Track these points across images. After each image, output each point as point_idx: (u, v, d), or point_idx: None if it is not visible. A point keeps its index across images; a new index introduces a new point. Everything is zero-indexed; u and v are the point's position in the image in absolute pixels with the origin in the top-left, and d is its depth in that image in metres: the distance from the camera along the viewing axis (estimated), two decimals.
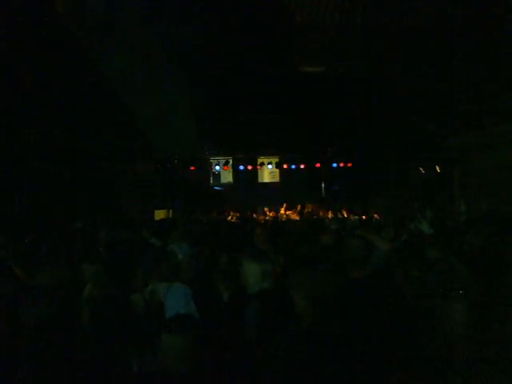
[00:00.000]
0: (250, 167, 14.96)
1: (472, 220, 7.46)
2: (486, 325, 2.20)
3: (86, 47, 8.06)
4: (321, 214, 13.34)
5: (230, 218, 12.78)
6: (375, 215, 11.98)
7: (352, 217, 11.93)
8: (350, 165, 14.53)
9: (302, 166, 14.84)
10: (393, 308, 2.42)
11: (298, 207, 13.97)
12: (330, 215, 12.81)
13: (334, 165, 14.60)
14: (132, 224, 8.30)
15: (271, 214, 13.63)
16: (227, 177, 15.89)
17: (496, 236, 4.44)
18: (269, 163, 14.93)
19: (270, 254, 3.78)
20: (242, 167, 14.92)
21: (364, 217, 11.39)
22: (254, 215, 13.72)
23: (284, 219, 12.48)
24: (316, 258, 3.51)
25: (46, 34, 6.94)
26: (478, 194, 11.81)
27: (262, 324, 2.74)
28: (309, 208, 13.72)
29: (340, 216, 12.57)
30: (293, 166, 14.83)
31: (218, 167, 15.17)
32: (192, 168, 14.69)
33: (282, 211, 13.95)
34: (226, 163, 15.00)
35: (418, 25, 8.88)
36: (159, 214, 14.02)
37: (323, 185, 15.43)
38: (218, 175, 15.93)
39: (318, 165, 14.74)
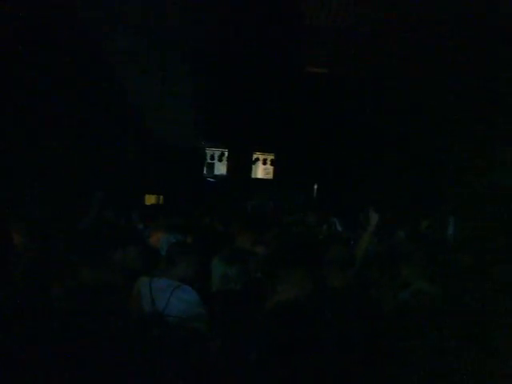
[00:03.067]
0: (244, 161, 14.98)
1: (460, 238, 7.41)
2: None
3: (90, 32, 7.95)
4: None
5: None
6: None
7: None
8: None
9: (297, 165, 14.85)
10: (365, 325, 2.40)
11: None
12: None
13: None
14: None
15: None
16: (221, 169, 15.83)
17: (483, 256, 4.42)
18: (264, 159, 14.95)
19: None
20: (236, 161, 14.94)
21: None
22: None
23: None
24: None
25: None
26: (470, 213, 11.63)
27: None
28: None
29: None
30: (288, 165, 14.84)
31: (212, 158, 15.17)
32: (187, 157, 14.63)
33: None
34: (222, 155, 14.98)
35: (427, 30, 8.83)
36: (150, 199, 13.98)
37: (316, 186, 15.42)
38: (211, 166, 15.88)
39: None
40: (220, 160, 15.15)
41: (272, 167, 15.52)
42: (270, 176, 15.90)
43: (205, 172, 16.02)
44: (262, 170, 15.99)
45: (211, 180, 16.03)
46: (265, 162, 15.20)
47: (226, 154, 15.13)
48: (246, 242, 4.40)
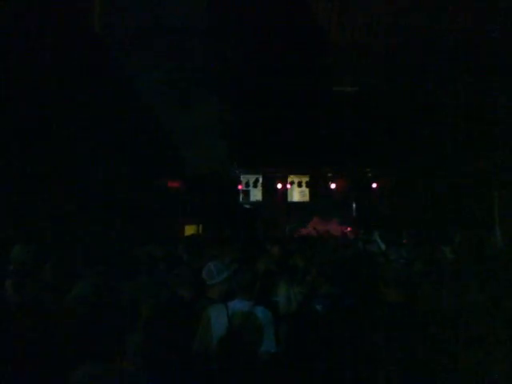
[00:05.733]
0: (280, 186, 14.96)
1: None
2: None
3: (122, 67, 8.27)
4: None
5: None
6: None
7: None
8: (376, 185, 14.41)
9: (333, 186, 14.76)
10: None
11: None
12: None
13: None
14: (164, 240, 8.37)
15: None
16: (257, 195, 15.87)
17: None
18: (299, 182, 14.89)
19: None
20: (271, 185, 14.95)
21: None
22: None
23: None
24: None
25: (82, 54, 7.19)
26: None
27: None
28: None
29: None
30: (323, 186, 14.78)
31: (247, 185, 15.23)
32: (222, 185, 14.79)
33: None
34: (256, 181, 15.04)
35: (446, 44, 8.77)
36: (189, 230, 14.12)
37: (354, 205, 15.20)
38: (247, 193, 15.94)
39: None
40: (255, 186, 15.20)
41: (307, 189, 15.45)
42: (307, 198, 15.81)
43: (241, 199, 16.10)
44: (297, 193, 15.93)
45: (248, 207, 16.08)
46: (300, 185, 15.13)
47: (261, 179, 15.16)
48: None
